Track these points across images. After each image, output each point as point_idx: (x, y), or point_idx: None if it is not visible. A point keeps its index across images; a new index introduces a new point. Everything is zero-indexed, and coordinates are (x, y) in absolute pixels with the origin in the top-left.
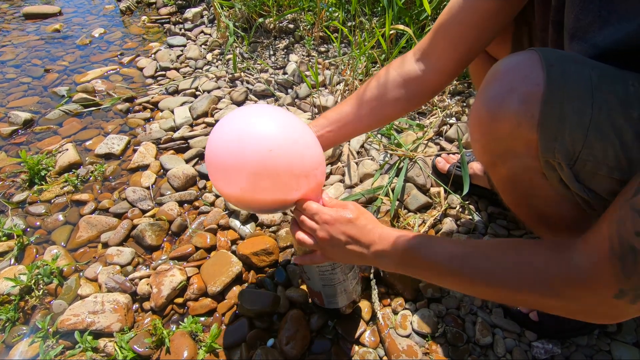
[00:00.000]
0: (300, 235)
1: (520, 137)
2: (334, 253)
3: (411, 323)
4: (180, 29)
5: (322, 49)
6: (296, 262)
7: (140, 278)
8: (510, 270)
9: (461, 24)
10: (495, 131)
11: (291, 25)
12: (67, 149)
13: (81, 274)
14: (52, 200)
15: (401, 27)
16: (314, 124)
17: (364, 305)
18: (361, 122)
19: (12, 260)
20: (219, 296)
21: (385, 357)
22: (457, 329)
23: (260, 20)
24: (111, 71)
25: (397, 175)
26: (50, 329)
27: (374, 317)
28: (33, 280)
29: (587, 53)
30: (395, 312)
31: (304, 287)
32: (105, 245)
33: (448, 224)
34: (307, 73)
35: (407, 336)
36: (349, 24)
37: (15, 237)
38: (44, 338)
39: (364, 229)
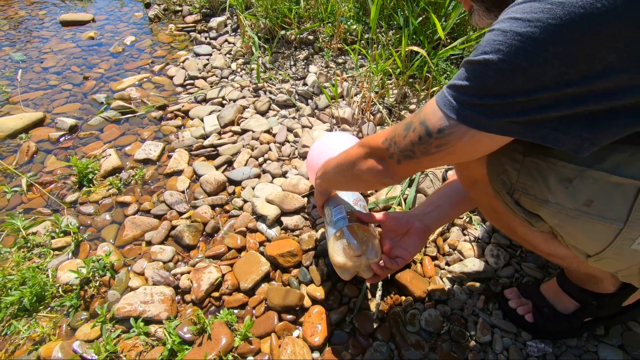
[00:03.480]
0: None
1: (475, 170)
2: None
3: (419, 321)
4: (206, 38)
5: (340, 60)
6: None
7: (182, 274)
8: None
9: None
10: (463, 166)
11: (311, 37)
12: (110, 155)
13: (129, 268)
14: (100, 201)
15: (416, 48)
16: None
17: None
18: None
19: (70, 255)
20: (250, 292)
21: (396, 350)
22: (460, 328)
23: (282, 32)
24: (144, 79)
25: (409, 186)
26: (107, 315)
27: (386, 314)
28: (91, 273)
29: None
30: (405, 311)
31: (325, 286)
32: (149, 243)
33: (455, 233)
34: (326, 84)
35: (416, 332)
36: (366, 36)
37: (72, 234)
38: (103, 322)
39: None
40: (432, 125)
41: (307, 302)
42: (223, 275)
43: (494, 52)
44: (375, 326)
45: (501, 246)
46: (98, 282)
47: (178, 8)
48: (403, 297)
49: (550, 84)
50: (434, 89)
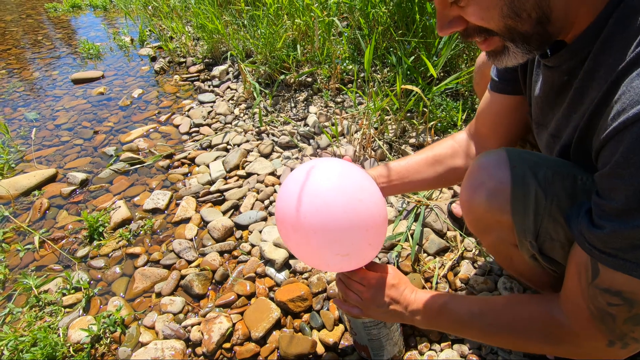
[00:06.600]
0: (350, 295)
1: (492, 219)
2: (377, 312)
3: None
4: (209, 86)
5: (339, 100)
6: (338, 305)
7: (192, 325)
8: (515, 328)
9: (493, 115)
10: (473, 213)
11: (309, 79)
12: (120, 207)
13: (140, 322)
14: (110, 254)
15: (409, 86)
16: (378, 174)
17: None
18: (420, 175)
19: (81, 311)
20: (262, 340)
21: None
22: None
23: (282, 77)
24: (151, 130)
25: (415, 220)
26: None
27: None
28: (101, 330)
29: (549, 139)
30: (421, 353)
31: (337, 331)
32: (159, 294)
33: (465, 266)
34: (326, 124)
35: None
36: (362, 74)
37: (83, 289)
38: None
39: (404, 292)
40: None
41: (320, 348)
42: (234, 324)
43: None
44: None
45: (514, 278)
46: (109, 339)
47: (182, 59)
48: (417, 339)
49: None
50: (432, 123)
